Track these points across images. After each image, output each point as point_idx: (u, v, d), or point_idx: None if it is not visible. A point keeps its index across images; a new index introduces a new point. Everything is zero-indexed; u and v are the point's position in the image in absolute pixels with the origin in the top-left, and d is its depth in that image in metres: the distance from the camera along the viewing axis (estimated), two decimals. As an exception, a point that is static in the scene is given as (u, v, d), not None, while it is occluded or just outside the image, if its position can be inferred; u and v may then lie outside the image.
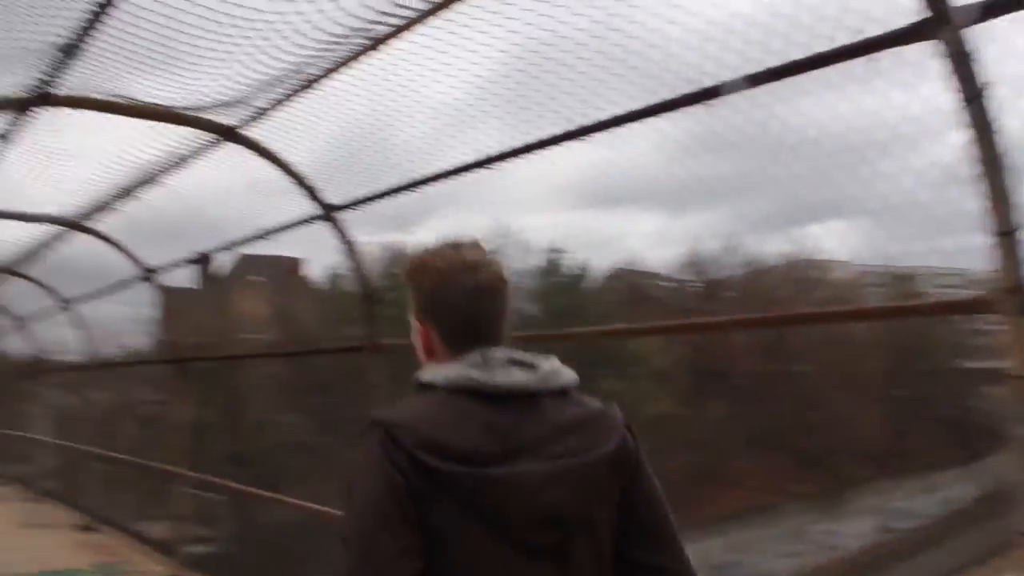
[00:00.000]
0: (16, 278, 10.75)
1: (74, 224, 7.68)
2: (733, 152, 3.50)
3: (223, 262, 31.46)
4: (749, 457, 29.92)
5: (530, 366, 1.58)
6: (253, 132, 5.15)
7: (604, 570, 1.55)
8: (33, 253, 9.36)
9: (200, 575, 7.61)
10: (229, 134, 5.14)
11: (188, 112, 4.85)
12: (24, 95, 4.19)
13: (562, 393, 1.59)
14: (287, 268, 34.34)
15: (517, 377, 1.55)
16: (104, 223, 7.51)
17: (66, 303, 11.09)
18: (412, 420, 1.49)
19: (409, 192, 5.03)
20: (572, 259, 29.95)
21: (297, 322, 30.19)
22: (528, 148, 4.11)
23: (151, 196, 6.41)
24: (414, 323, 1.71)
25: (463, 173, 4.54)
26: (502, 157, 4.24)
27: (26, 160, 5.53)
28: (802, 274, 30.07)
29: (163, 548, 8.62)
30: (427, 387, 1.58)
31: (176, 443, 8.60)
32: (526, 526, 1.46)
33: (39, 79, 4.02)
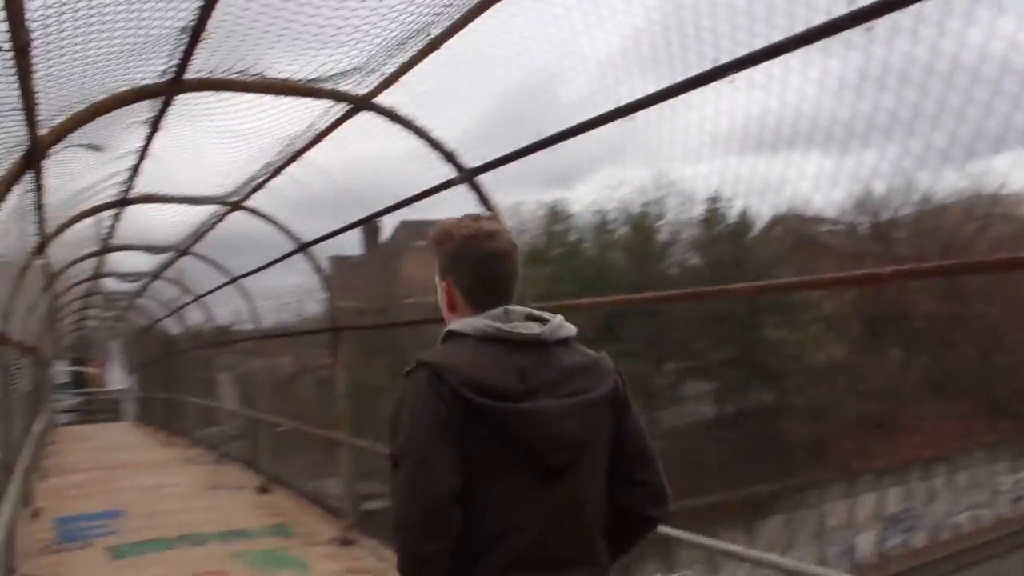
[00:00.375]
0: (189, 257, 11.37)
1: (230, 203, 7.95)
2: (900, 81, 3.09)
3: (384, 230, 32.35)
4: (931, 405, 28.20)
5: (541, 320, 1.90)
6: (387, 100, 5.09)
7: (601, 483, 1.91)
8: (200, 233, 9.83)
9: (364, 536, 7.80)
10: (363, 103, 5.08)
11: (320, 85, 4.82)
12: (159, 82, 4.26)
13: (565, 343, 1.91)
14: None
15: (533, 328, 1.87)
16: (257, 200, 7.74)
17: (236, 277, 11.64)
18: (455, 363, 1.78)
19: (548, 149, 4.85)
20: (734, 207, 28.84)
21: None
22: (672, 91, 3.86)
23: (297, 171, 6.53)
24: (439, 283, 1.99)
25: (605, 124, 4.32)
26: (644, 103, 4.00)
27: (175, 146, 5.69)
28: (984, 210, 27.72)
29: (332, 509, 8.96)
30: (455, 335, 1.88)
31: (342, 406, 8.86)
32: (546, 450, 1.79)
33: (172, 65, 4.07)
